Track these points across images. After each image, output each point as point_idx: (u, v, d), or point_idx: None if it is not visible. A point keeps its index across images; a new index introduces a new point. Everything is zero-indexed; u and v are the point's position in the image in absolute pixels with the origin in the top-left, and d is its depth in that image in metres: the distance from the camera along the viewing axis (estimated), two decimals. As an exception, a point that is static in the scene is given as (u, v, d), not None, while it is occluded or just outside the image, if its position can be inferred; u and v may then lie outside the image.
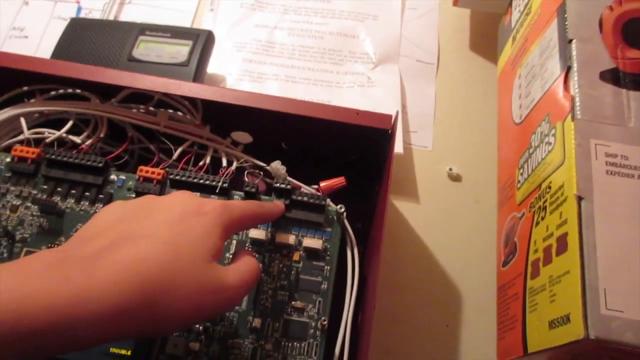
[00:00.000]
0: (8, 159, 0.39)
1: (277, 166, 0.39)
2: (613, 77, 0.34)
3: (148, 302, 0.25)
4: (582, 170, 0.32)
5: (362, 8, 0.61)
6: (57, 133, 0.41)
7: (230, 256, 0.37)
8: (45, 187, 0.38)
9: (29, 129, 0.41)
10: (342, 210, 0.38)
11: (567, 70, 0.35)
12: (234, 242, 0.38)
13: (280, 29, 0.60)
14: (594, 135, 0.33)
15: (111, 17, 0.59)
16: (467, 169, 0.51)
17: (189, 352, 0.34)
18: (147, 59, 0.50)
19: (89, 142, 0.41)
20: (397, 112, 0.39)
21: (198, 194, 0.38)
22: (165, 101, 0.42)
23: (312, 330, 0.35)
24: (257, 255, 0.37)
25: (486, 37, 0.58)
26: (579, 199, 0.31)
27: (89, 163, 0.38)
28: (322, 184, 0.40)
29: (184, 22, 0.60)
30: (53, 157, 0.38)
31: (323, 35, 0.59)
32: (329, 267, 0.37)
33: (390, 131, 0.39)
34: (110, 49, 0.51)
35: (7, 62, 0.40)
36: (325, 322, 0.35)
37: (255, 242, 0.37)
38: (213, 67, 0.55)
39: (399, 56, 0.58)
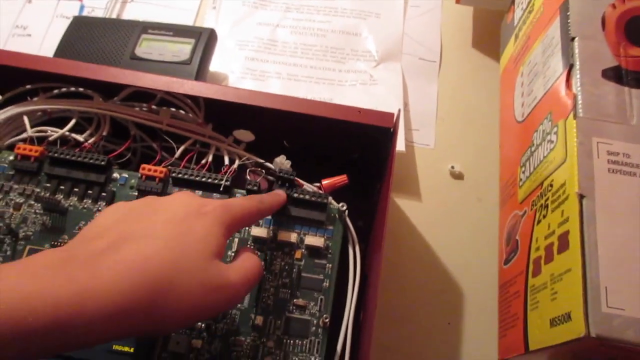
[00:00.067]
0: (11, 157, 0.39)
1: (282, 161, 0.39)
2: (615, 75, 0.34)
3: (151, 300, 0.25)
4: (583, 169, 0.32)
5: (365, 6, 0.61)
6: (60, 131, 0.41)
7: (232, 254, 0.37)
8: (48, 185, 0.39)
9: (32, 127, 0.41)
10: (344, 208, 0.38)
11: (570, 68, 0.35)
12: (236, 239, 0.38)
13: (283, 27, 0.60)
14: (596, 134, 0.33)
15: (114, 16, 0.59)
16: (469, 167, 0.51)
17: (191, 350, 0.34)
18: (150, 57, 0.50)
19: (91, 140, 0.41)
20: (399, 110, 0.39)
21: (200, 192, 0.38)
22: (167, 99, 0.42)
23: (313, 328, 0.35)
24: (259, 253, 0.37)
25: (488, 35, 0.58)
26: (581, 197, 0.31)
27: (91, 161, 0.38)
28: (324, 182, 0.40)
29: (187, 20, 0.60)
30: (56, 155, 0.39)
31: (325, 33, 0.59)
32: (330, 265, 0.37)
33: (392, 129, 0.39)
34: (112, 47, 0.51)
35: (10, 60, 0.40)
36: (327, 320, 0.35)
37: (257, 239, 0.37)
38: (215, 65, 0.55)
39: (401, 54, 0.58)
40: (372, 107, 0.39)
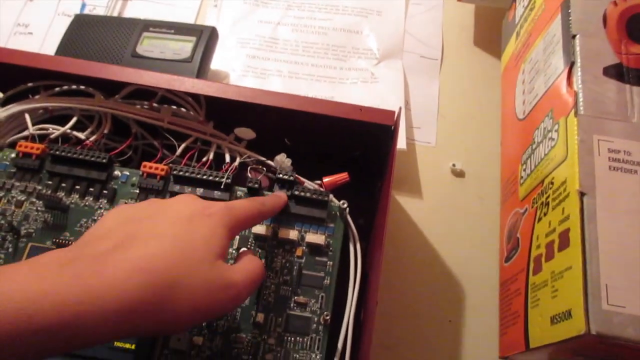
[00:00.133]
0: (13, 155, 0.39)
1: (282, 159, 0.39)
2: (617, 72, 0.34)
3: (157, 300, 0.25)
4: (584, 166, 0.32)
5: (366, 4, 0.61)
6: (62, 129, 0.41)
7: (234, 251, 0.37)
8: (49, 182, 0.39)
9: (33, 125, 0.41)
10: (345, 205, 0.38)
11: (571, 65, 0.35)
12: (237, 237, 0.38)
13: (284, 25, 0.60)
14: (597, 131, 0.33)
15: (115, 14, 0.60)
16: (470, 164, 0.51)
17: (193, 347, 0.34)
18: (151, 55, 0.50)
19: (93, 138, 0.41)
20: (400, 108, 0.39)
21: (201, 189, 0.38)
22: (168, 97, 0.42)
23: (314, 325, 0.35)
24: (260, 251, 0.37)
25: (490, 33, 0.58)
26: (582, 194, 0.31)
27: (93, 159, 0.39)
28: (325, 179, 0.40)
29: (188, 18, 0.60)
30: (57, 153, 0.39)
31: (327, 31, 0.59)
32: (331, 263, 0.37)
33: (393, 127, 0.39)
34: (114, 46, 0.51)
35: (12, 58, 0.40)
36: (328, 317, 0.35)
37: (258, 237, 0.38)
38: (216, 63, 0.55)
39: (402, 52, 0.58)
40: (373, 105, 0.39)
